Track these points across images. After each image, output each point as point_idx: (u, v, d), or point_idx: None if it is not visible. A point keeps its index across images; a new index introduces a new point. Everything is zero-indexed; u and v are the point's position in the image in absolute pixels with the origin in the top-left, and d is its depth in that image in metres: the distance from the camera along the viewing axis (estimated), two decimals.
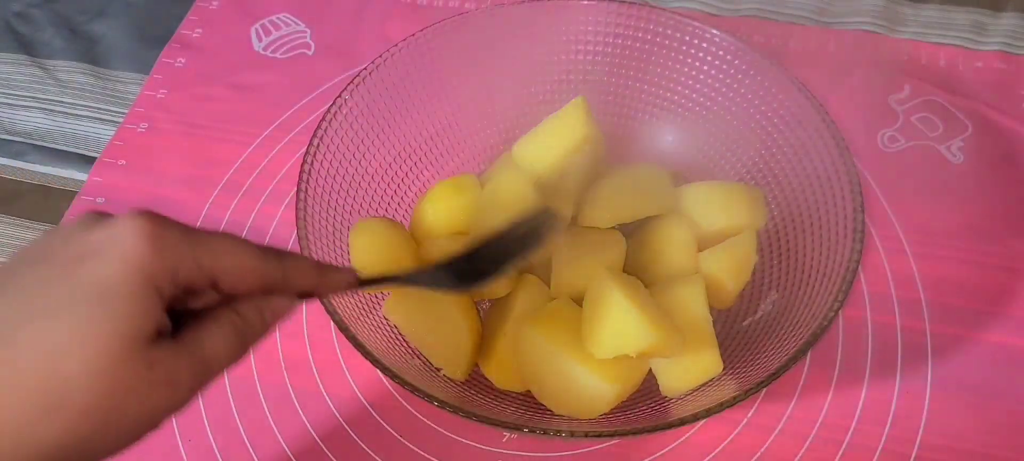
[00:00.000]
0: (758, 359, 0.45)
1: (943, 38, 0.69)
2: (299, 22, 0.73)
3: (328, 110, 0.50)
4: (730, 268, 0.50)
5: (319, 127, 0.50)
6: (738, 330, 0.50)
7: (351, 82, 0.52)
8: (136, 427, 0.28)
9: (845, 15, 0.71)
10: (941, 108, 0.64)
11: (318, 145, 0.49)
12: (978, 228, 0.57)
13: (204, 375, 0.30)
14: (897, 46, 0.68)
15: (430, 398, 0.40)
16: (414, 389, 0.40)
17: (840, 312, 0.42)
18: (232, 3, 0.75)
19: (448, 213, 0.52)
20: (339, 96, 0.51)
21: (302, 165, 0.48)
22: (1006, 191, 0.59)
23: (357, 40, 0.71)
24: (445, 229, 0.52)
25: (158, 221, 0.29)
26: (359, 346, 0.41)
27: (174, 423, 0.50)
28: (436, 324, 0.48)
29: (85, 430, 0.27)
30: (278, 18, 0.74)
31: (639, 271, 0.51)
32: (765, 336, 0.47)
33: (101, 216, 0.29)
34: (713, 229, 0.51)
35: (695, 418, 0.39)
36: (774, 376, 0.40)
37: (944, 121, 0.63)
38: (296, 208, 0.47)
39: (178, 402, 0.29)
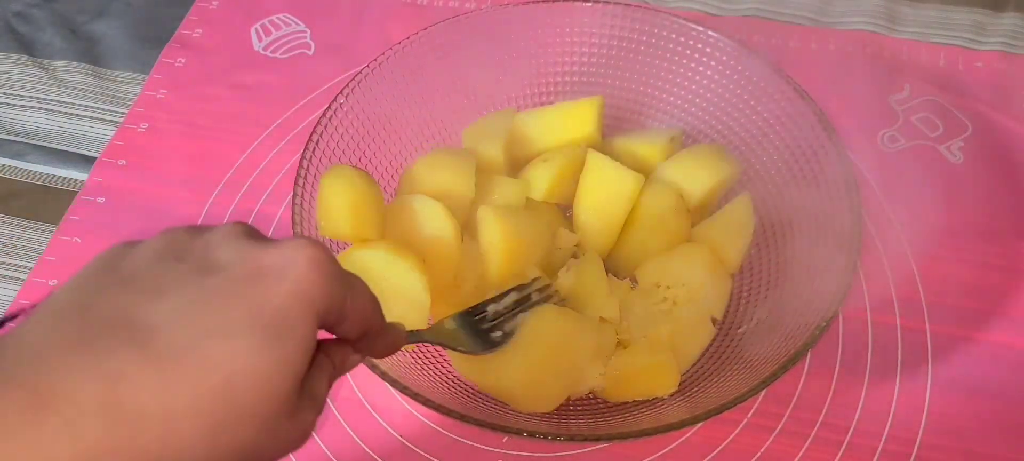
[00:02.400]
0: (750, 366, 0.45)
1: (943, 38, 0.69)
2: (299, 22, 0.73)
3: (326, 111, 0.50)
4: (727, 233, 0.51)
5: (316, 128, 0.50)
6: (732, 338, 0.50)
7: (349, 83, 0.52)
8: None
9: (845, 15, 0.71)
10: (941, 108, 0.64)
11: (315, 146, 0.49)
12: (978, 228, 0.57)
13: (310, 431, 0.28)
14: (897, 46, 0.68)
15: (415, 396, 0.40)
16: (406, 389, 0.40)
17: (831, 322, 0.42)
18: (232, 3, 0.75)
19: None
20: (336, 98, 0.51)
21: (299, 166, 0.48)
22: (1006, 191, 0.59)
23: (357, 40, 0.71)
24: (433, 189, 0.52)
25: (326, 252, 0.27)
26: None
27: None
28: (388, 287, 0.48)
29: (236, 459, 0.25)
30: (278, 18, 0.74)
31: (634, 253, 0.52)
32: (756, 346, 0.47)
33: (257, 232, 0.28)
34: (702, 191, 0.52)
35: (683, 424, 0.40)
36: (764, 384, 0.40)
37: (944, 121, 0.63)
38: (292, 210, 0.47)
39: (296, 448, 0.28)
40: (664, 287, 0.51)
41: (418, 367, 0.48)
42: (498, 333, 0.45)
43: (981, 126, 0.63)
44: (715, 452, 0.49)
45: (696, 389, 0.47)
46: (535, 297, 0.48)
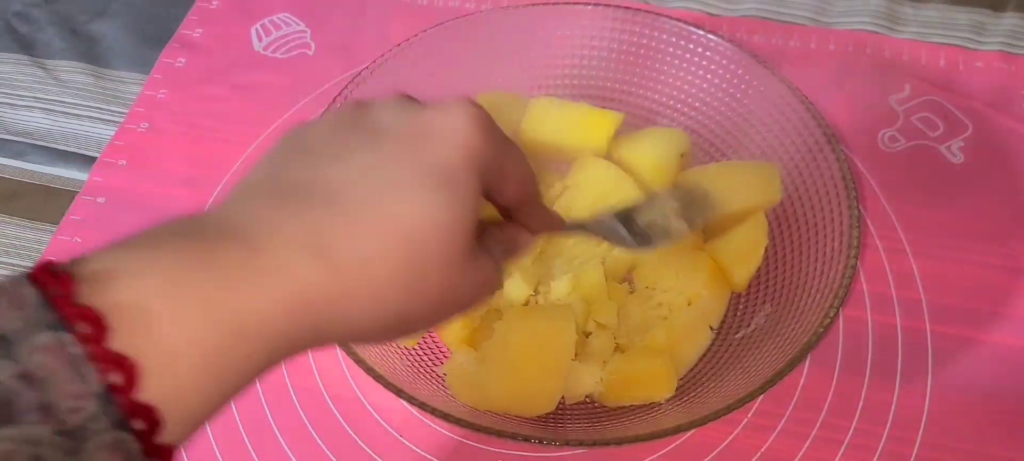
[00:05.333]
0: (747, 372, 0.45)
1: (943, 38, 0.69)
2: (299, 22, 0.73)
3: (324, 113, 0.50)
4: (737, 255, 0.50)
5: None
6: (729, 343, 0.49)
7: (348, 84, 0.52)
8: (453, 312, 0.29)
9: (845, 15, 0.71)
10: (941, 108, 0.64)
11: None
12: (978, 228, 0.57)
13: (498, 282, 0.31)
14: (897, 46, 0.68)
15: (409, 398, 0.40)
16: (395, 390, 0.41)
17: (829, 329, 0.42)
18: (232, 3, 0.75)
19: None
20: (334, 100, 0.51)
21: None
22: (1006, 191, 0.59)
23: (357, 40, 0.71)
24: None
25: (485, 112, 0.28)
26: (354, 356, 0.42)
27: None
28: None
29: (425, 306, 0.27)
30: (278, 18, 0.74)
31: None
32: (755, 349, 0.46)
33: (416, 99, 0.30)
34: (730, 210, 0.51)
35: (678, 430, 0.40)
36: (762, 389, 0.40)
37: (944, 121, 0.63)
38: None
39: (483, 298, 0.31)
40: (661, 291, 0.51)
41: (415, 372, 0.48)
42: (656, 231, 0.41)
43: (981, 126, 0.63)
44: (715, 452, 0.49)
45: (693, 394, 0.47)
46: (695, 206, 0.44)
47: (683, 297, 0.50)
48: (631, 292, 0.52)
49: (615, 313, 0.50)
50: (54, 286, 0.21)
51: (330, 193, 0.26)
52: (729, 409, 0.40)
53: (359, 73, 0.52)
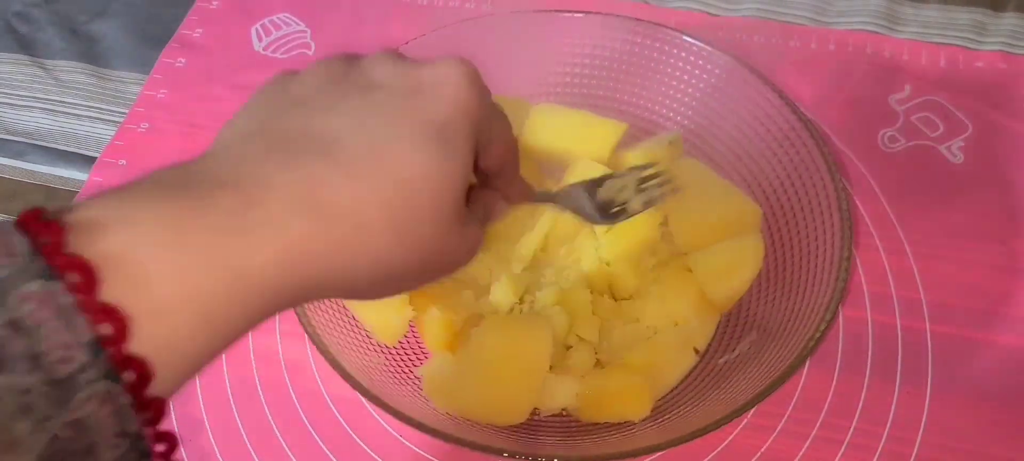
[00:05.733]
0: (726, 396, 0.44)
1: (943, 38, 0.69)
2: (299, 22, 0.73)
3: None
4: (718, 273, 0.49)
5: None
6: (712, 368, 0.49)
7: None
8: (441, 271, 0.30)
9: (845, 15, 0.71)
10: (941, 108, 0.64)
11: None
12: (978, 228, 0.57)
13: (479, 244, 0.31)
14: (897, 46, 0.68)
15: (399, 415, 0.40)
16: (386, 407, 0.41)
17: (807, 359, 0.42)
18: (232, 3, 0.75)
19: None
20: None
21: None
22: (1006, 191, 0.59)
23: (357, 40, 0.71)
24: None
25: (477, 72, 0.29)
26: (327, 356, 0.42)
27: (174, 422, 0.50)
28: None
29: (415, 263, 0.27)
30: (278, 18, 0.74)
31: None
32: (737, 375, 0.46)
33: (406, 56, 0.30)
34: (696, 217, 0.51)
35: (649, 451, 0.40)
36: (736, 413, 0.40)
37: (944, 121, 0.63)
38: None
39: (467, 261, 0.31)
40: (646, 310, 0.50)
41: (392, 372, 0.48)
42: (616, 208, 0.43)
43: (981, 126, 0.63)
44: (715, 452, 0.49)
45: (670, 415, 0.46)
46: (653, 183, 0.45)
47: (668, 318, 0.50)
48: (616, 305, 0.52)
49: (598, 328, 0.50)
50: (44, 234, 0.20)
51: (324, 144, 0.25)
52: (702, 432, 0.39)
53: None
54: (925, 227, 0.57)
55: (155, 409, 0.21)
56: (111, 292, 0.20)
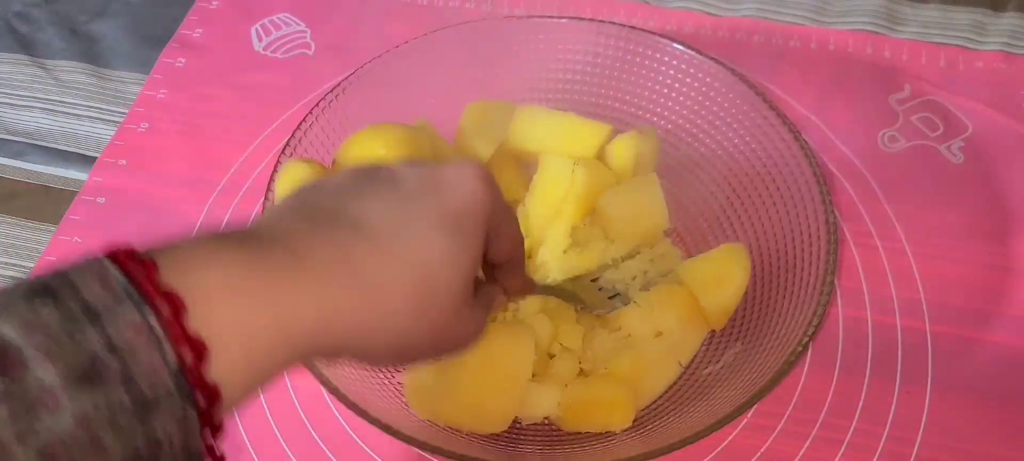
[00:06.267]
0: (712, 408, 0.44)
1: (943, 38, 0.69)
2: (299, 22, 0.73)
3: (306, 116, 0.51)
4: (708, 283, 0.49)
5: (297, 131, 0.50)
6: (696, 379, 0.48)
7: (344, 80, 0.52)
8: (449, 349, 0.33)
9: (845, 15, 0.71)
10: (941, 108, 0.64)
11: (297, 143, 0.49)
12: (978, 228, 0.57)
13: (483, 329, 0.35)
14: (897, 46, 0.68)
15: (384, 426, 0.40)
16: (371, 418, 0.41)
17: (790, 370, 0.41)
18: (232, 3, 0.75)
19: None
20: (311, 112, 0.51)
21: (277, 162, 0.48)
22: (1006, 191, 0.59)
23: (357, 40, 0.71)
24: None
25: (491, 175, 0.32)
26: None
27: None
28: None
29: (427, 338, 0.31)
30: (278, 18, 0.74)
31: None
32: (721, 386, 0.45)
33: (425, 162, 0.33)
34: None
35: (640, 458, 0.40)
36: (719, 424, 0.40)
37: (944, 121, 0.63)
38: (263, 206, 0.47)
39: (472, 340, 0.34)
40: (631, 320, 0.50)
41: (374, 378, 0.47)
42: (616, 296, 0.49)
43: (981, 126, 0.63)
44: (714, 453, 0.49)
45: (653, 426, 0.46)
46: (651, 271, 0.51)
47: (652, 328, 0.49)
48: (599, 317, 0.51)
49: (581, 337, 0.49)
50: (136, 268, 0.23)
51: (356, 222, 0.29)
52: (685, 443, 0.39)
53: (355, 72, 0.52)
54: (925, 227, 0.57)
55: (215, 432, 0.24)
56: (193, 323, 0.23)
